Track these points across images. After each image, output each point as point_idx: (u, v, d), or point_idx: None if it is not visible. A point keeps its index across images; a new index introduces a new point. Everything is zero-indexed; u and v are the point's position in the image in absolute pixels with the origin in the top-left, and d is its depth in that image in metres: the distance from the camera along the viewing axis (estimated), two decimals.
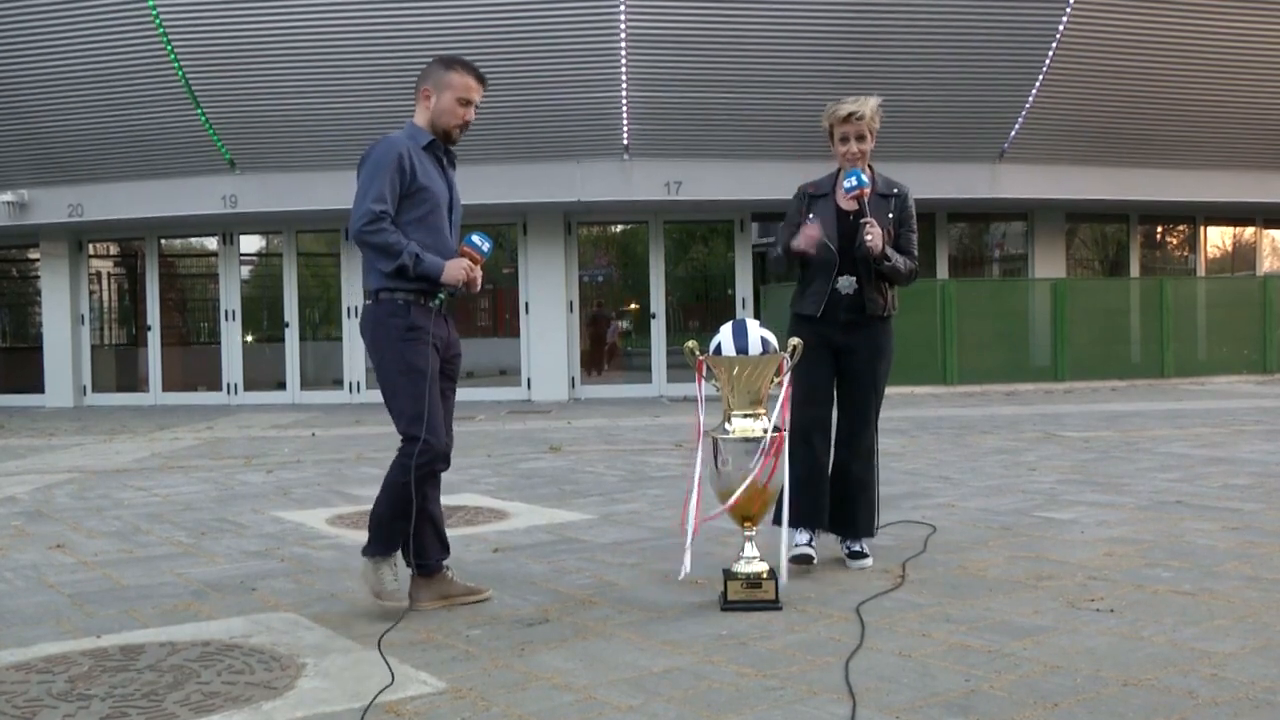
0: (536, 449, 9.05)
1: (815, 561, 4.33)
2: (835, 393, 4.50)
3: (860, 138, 4.37)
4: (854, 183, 4.28)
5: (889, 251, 4.32)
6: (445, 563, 3.98)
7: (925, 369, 15.14)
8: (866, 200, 4.30)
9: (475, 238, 3.83)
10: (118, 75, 13.87)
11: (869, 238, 4.24)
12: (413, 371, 3.72)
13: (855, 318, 4.39)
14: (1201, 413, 11.28)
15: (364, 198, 3.73)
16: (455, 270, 3.77)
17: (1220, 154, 15.99)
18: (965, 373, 15.48)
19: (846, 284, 4.37)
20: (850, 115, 4.33)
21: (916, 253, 4.49)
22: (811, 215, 4.42)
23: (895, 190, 4.46)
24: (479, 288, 3.86)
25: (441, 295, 3.82)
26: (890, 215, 4.41)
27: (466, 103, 3.85)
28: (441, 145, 3.89)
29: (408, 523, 3.79)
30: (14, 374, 17.34)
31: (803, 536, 4.38)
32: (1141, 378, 16.11)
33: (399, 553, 3.86)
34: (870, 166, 4.47)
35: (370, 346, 3.84)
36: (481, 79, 3.90)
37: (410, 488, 3.72)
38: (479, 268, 3.84)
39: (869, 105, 4.35)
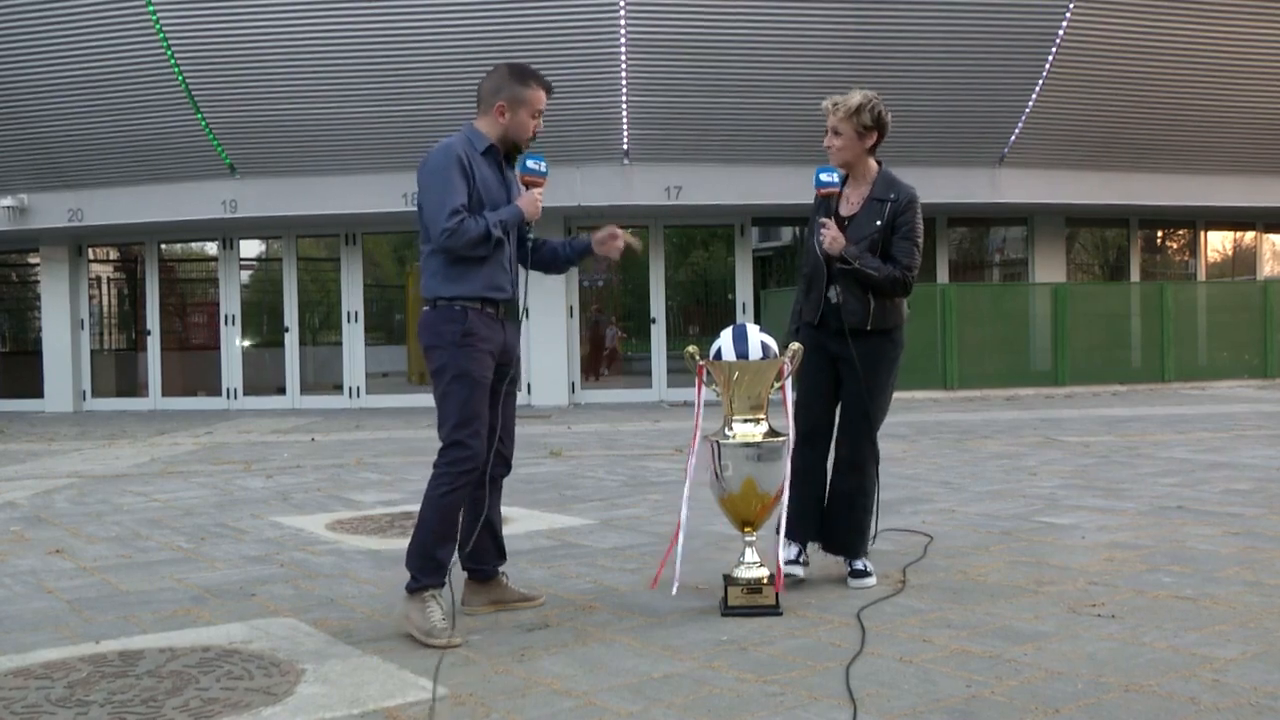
0: (536, 454, 9.04)
1: (804, 579, 4.18)
2: (839, 401, 4.35)
3: (836, 133, 4.22)
4: (822, 179, 4.18)
5: (848, 254, 4.11)
6: (501, 569, 3.98)
7: (925, 374, 15.13)
8: (833, 200, 4.18)
9: (530, 162, 3.81)
10: (117, 80, 13.88)
11: (820, 239, 4.13)
12: (464, 377, 3.66)
13: (845, 327, 4.21)
14: (1202, 417, 11.28)
15: (438, 215, 3.62)
16: (530, 205, 3.79)
17: (1221, 158, 16.00)
18: (965, 377, 15.47)
19: (836, 293, 4.22)
20: (827, 109, 4.23)
21: (911, 261, 4.25)
22: (819, 218, 4.32)
23: (892, 195, 4.25)
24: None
25: (506, 302, 3.79)
26: (879, 222, 4.22)
27: (539, 114, 3.83)
28: (500, 151, 3.83)
29: (454, 545, 3.71)
30: (13, 379, 17.32)
31: (792, 551, 4.23)
32: (1142, 382, 16.10)
33: (447, 587, 3.67)
34: (879, 162, 4.34)
35: (426, 352, 3.77)
36: (550, 89, 3.87)
37: (451, 498, 3.63)
38: (544, 187, 3.85)
39: (842, 107, 4.18)
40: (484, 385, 3.71)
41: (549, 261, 4.10)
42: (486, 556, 3.92)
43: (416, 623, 3.55)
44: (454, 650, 3.42)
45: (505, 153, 3.86)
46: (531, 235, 3.92)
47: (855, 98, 4.20)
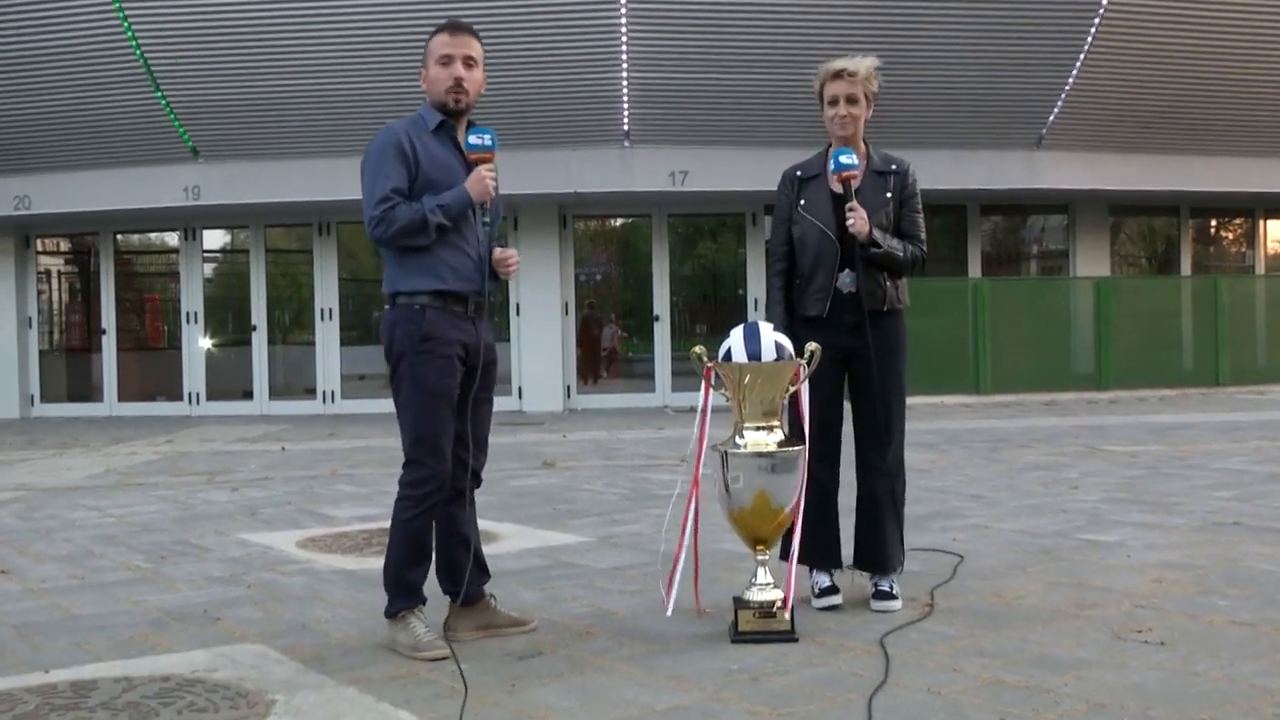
0: (528, 464, 9.05)
1: (842, 604, 4.20)
2: (851, 407, 4.36)
3: (852, 100, 4.26)
4: (842, 162, 4.19)
5: (878, 236, 4.19)
6: (488, 589, 4.00)
7: (955, 376, 15.13)
8: (853, 184, 4.21)
9: (472, 137, 3.76)
10: (70, 55, 13.89)
11: (850, 222, 4.15)
12: (421, 388, 3.70)
13: (861, 318, 4.22)
14: (1260, 425, 11.27)
15: (369, 202, 3.69)
16: (479, 185, 3.70)
17: None
18: (1000, 380, 15.46)
19: (848, 280, 4.25)
20: (841, 72, 4.26)
21: (924, 236, 4.39)
22: (803, 202, 4.35)
23: (894, 166, 4.36)
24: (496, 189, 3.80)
25: (476, 295, 3.78)
26: (889, 195, 4.31)
27: (447, 60, 3.73)
28: (453, 124, 3.80)
29: (427, 565, 3.82)
30: None
31: (822, 578, 4.27)
32: (1193, 386, 16.10)
33: (423, 602, 3.81)
34: (865, 142, 4.38)
35: (386, 354, 3.81)
36: (457, 29, 3.79)
37: (417, 523, 3.73)
38: (494, 164, 3.79)
39: (864, 64, 4.28)
40: (445, 395, 3.72)
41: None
42: (468, 578, 3.91)
43: (403, 642, 3.70)
44: (438, 683, 3.42)
45: (451, 119, 3.80)
46: (488, 221, 3.83)
47: (870, 58, 4.31)
